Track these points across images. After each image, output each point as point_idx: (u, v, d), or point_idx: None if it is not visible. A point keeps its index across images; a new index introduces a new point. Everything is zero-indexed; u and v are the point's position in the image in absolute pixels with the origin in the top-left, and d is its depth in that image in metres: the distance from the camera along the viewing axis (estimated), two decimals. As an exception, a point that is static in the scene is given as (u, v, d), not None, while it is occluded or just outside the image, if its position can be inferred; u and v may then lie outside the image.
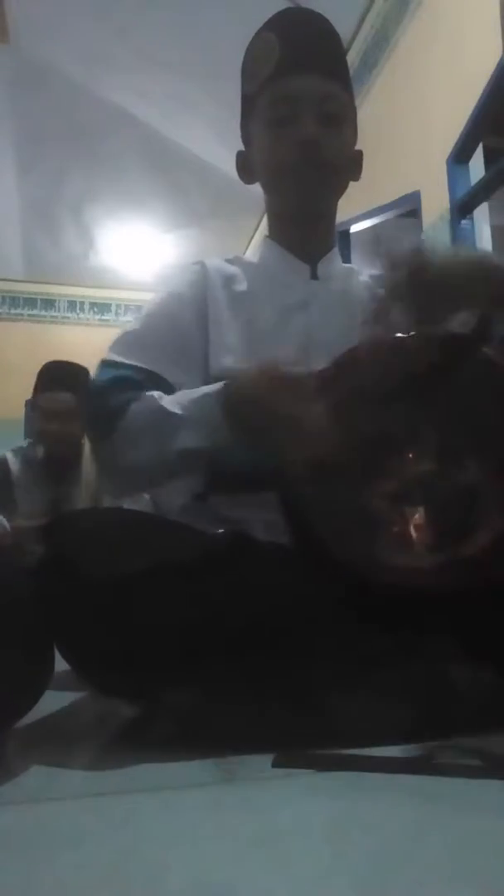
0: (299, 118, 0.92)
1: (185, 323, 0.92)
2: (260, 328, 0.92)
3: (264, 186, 1.02)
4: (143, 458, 0.82)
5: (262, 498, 0.79)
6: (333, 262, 1.02)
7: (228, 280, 0.97)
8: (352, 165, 1.00)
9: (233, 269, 1.00)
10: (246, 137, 1.03)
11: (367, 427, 0.72)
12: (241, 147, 1.04)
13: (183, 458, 0.79)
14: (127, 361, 0.88)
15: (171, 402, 0.80)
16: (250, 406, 0.75)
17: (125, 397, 0.83)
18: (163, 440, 0.78)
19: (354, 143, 1.00)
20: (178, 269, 1.00)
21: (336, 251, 1.04)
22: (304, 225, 1.00)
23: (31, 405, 2.20)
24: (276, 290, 0.96)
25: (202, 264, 0.99)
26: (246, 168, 1.04)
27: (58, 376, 2.12)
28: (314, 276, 0.99)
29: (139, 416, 0.81)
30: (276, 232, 1.03)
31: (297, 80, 0.93)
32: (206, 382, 0.84)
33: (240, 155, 1.05)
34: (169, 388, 0.85)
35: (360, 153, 1.02)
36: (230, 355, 0.90)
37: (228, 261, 1.02)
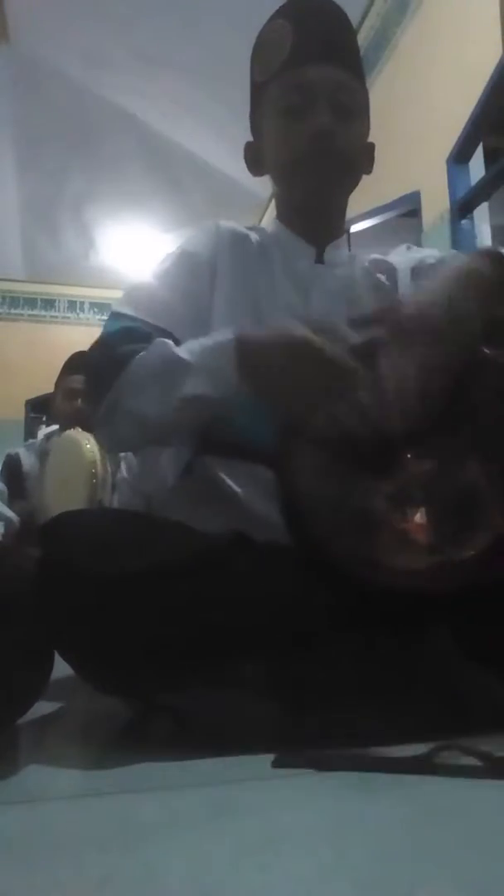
0: (313, 108, 0.90)
1: (196, 284, 0.92)
2: (260, 306, 0.92)
3: (275, 177, 0.99)
4: (148, 405, 0.80)
5: (255, 472, 0.78)
6: (340, 249, 1.01)
7: (239, 243, 0.96)
8: (364, 158, 0.99)
9: (246, 233, 0.99)
10: (255, 127, 1.01)
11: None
12: (244, 142, 1.02)
13: (189, 405, 0.77)
14: (137, 315, 0.87)
15: (183, 350, 0.79)
16: (265, 360, 0.74)
17: (133, 347, 0.82)
18: (171, 386, 0.77)
19: (367, 135, 0.98)
20: (195, 228, 0.99)
21: (344, 239, 1.02)
22: (315, 217, 0.98)
23: (56, 389, 2.29)
24: (281, 267, 0.95)
25: (217, 226, 0.98)
26: (255, 159, 1.01)
27: (79, 364, 2.22)
28: (320, 259, 0.98)
29: (148, 362, 0.80)
30: (286, 219, 1.01)
31: (311, 69, 0.91)
32: None
33: (248, 145, 1.02)
34: (177, 345, 0.84)
35: (373, 146, 1.00)
36: (230, 327, 0.89)
37: (246, 227, 1.01)
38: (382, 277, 1.00)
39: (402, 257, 1.03)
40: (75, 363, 2.25)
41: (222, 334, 0.79)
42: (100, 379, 0.83)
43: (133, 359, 0.81)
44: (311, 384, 0.71)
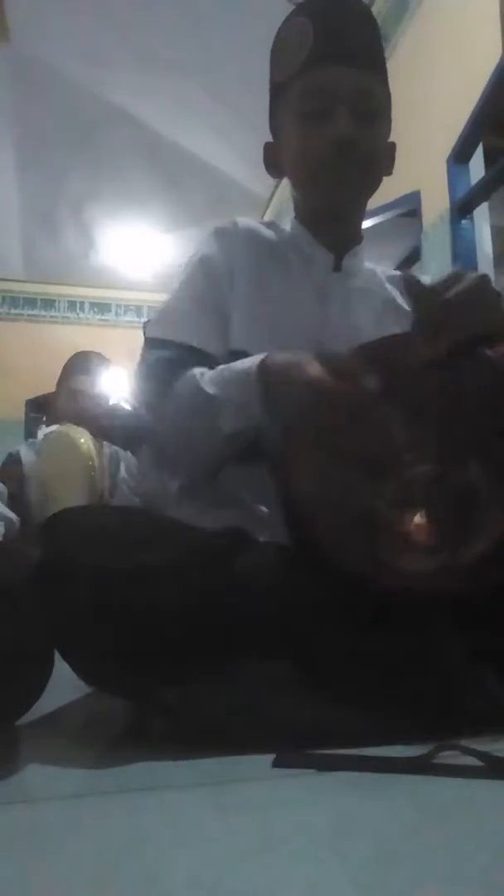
0: (334, 113, 0.87)
1: (216, 292, 0.92)
2: (275, 312, 0.91)
3: (294, 182, 0.97)
4: (191, 444, 0.84)
5: (261, 483, 0.79)
6: (358, 258, 0.99)
7: (257, 246, 0.95)
8: (386, 159, 0.96)
9: (266, 233, 0.98)
10: (274, 128, 0.98)
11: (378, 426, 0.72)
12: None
13: (232, 443, 0.80)
14: (168, 338, 0.89)
15: (209, 382, 0.81)
16: (289, 397, 0.74)
17: (166, 378, 0.84)
18: (204, 425, 0.80)
19: (388, 135, 0.96)
20: (210, 231, 0.98)
21: (363, 247, 1.00)
22: (333, 222, 0.97)
23: (58, 389, 2.31)
24: (298, 273, 0.95)
25: (234, 225, 0.97)
26: (274, 161, 0.99)
27: (86, 363, 2.29)
28: (337, 267, 0.96)
29: (179, 401, 0.83)
30: (305, 222, 0.99)
31: (330, 71, 0.88)
32: (229, 353, 0.86)
33: (268, 146, 0.99)
34: (209, 359, 0.86)
35: (394, 145, 0.97)
36: (246, 331, 0.89)
37: (265, 224, 1.00)
38: (398, 296, 0.99)
39: None
40: (78, 364, 2.27)
41: (242, 363, 0.80)
42: (150, 406, 0.87)
43: (166, 396, 0.84)
44: (333, 417, 0.72)
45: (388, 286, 1.00)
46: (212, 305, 0.91)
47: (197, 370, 0.83)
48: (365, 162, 0.90)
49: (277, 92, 0.94)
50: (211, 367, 0.84)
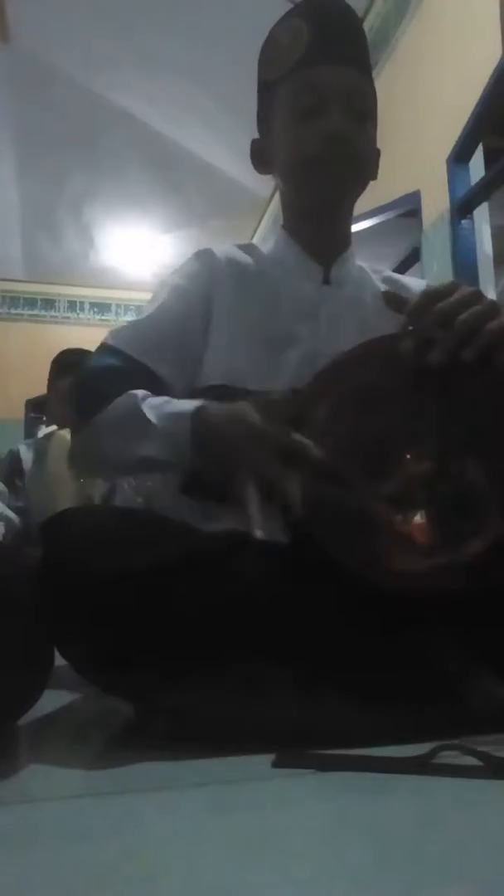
0: (327, 110, 0.89)
1: (188, 321, 0.91)
2: (265, 334, 0.90)
3: (284, 178, 0.98)
4: (108, 451, 0.85)
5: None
6: (347, 264, 0.99)
7: (237, 273, 0.95)
8: (373, 163, 0.98)
9: (245, 258, 0.97)
10: (264, 125, 0.99)
11: (363, 432, 0.72)
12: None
13: (142, 464, 0.82)
14: (124, 350, 0.88)
15: (150, 408, 0.81)
16: (218, 441, 0.76)
17: (114, 389, 0.84)
18: (129, 442, 0.81)
19: (376, 140, 0.97)
20: (188, 258, 0.98)
21: (351, 251, 1.01)
22: (324, 221, 0.97)
23: (49, 390, 2.26)
24: (285, 293, 0.94)
25: (211, 254, 0.96)
26: (262, 157, 1.00)
27: (75, 362, 2.18)
28: (327, 279, 0.96)
29: (116, 412, 0.83)
30: (292, 225, 1.00)
31: (326, 70, 0.90)
32: (195, 387, 0.87)
33: (255, 143, 1.00)
34: (160, 385, 0.86)
35: (379, 152, 0.99)
36: (225, 365, 0.89)
37: (241, 247, 1.00)
38: None
39: (419, 290, 1.03)
40: (65, 364, 2.19)
41: (184, 404, 0.81)
42: (82, 411, 0.87)
43: (107, 402, 0.83)
44: (262, 466, 0.72)
45: (384, 288, 1.00)
46: (178, 333, 0.90)
47: (140, 392, 0.83)
48: (356, 159, 0.92)
49: (268, 89, 0.96)
50: (157, 394, 0.84)
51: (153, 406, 0.81)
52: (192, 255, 0.98)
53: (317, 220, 0.97)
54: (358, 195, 0.98)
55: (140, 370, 0.86)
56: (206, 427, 0.77)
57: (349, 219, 1.01)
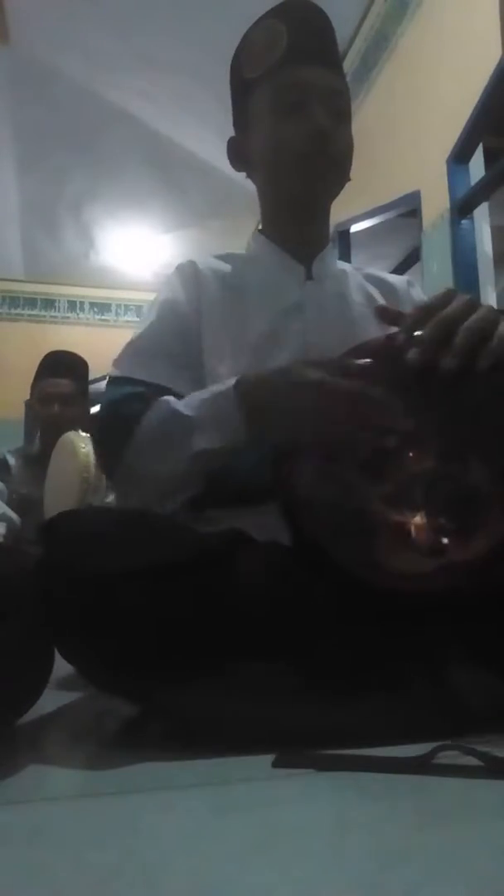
0: (308, 107, 0.90)
1: (183, 330, 0.92)
2: (253, 333, 0.91)
3: (264, 174, 0.99)
4: (159, 468, 0.81)
5: (257, 509, 0.79)
6: (328, 261, 1.01)
7: (221, 280, 0.96)
8: (349, 165, 0.99)
9: (225, 267, 0.98)
10: (241, 124, 1.01)
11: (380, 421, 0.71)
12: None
13: (199, 461, 0.79)
14: (135, 377, 0.88)
15: (184, 406, 0.80)
16: (271, 400, 0.74)
17: (137, 408, 0.83)
18: (177, 443, 0.79)
19: (352, 142, 0.99)
20: (171, 271, 0.99)
21: (331, 248, 1.02)
22: (303, 218, 0.98)
23: (31, 392, 2.27)
24: (269, 292, 0.95)
25: (193, 264, 0.98)
26: (240, 155, 1.01)
27: (57, 364, 2.21)
28: (309, 276, 0.98)
29: (152, 423, 0.82)
30: (271, 226, 1.01)
31: (307, 70, 0.92)
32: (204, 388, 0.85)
33: (232, 141, 1.02)
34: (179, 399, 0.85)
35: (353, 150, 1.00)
36: (224, 363, 0.89)
37: (219, 257, 1.01)
38: (376, 293, 1.00)
39: (402, 285, 1.04)
40: (49, 365, 2.21)
41: (218, 385, 0.80)
42: (111, 446, 0.86)
43: (140, 420, 0.82)
44: (323, 420, 0.71)
45: (368, 285, 1.01)
46: (176, 345, 0.91)
47: (166, 397, 0.83)
48: (337, 157, 0.93)
49: (246, 88, 0.97)
50: None
51: (186, 403, 0.80)
52: (175, 270, 0.99)
53: (297, 217, 0.98)
54: (335, 195, 0.99)
55: (155, 391, 0.86)
56: (255, 390, 0.76)
57: (327, 219, 1.03)
